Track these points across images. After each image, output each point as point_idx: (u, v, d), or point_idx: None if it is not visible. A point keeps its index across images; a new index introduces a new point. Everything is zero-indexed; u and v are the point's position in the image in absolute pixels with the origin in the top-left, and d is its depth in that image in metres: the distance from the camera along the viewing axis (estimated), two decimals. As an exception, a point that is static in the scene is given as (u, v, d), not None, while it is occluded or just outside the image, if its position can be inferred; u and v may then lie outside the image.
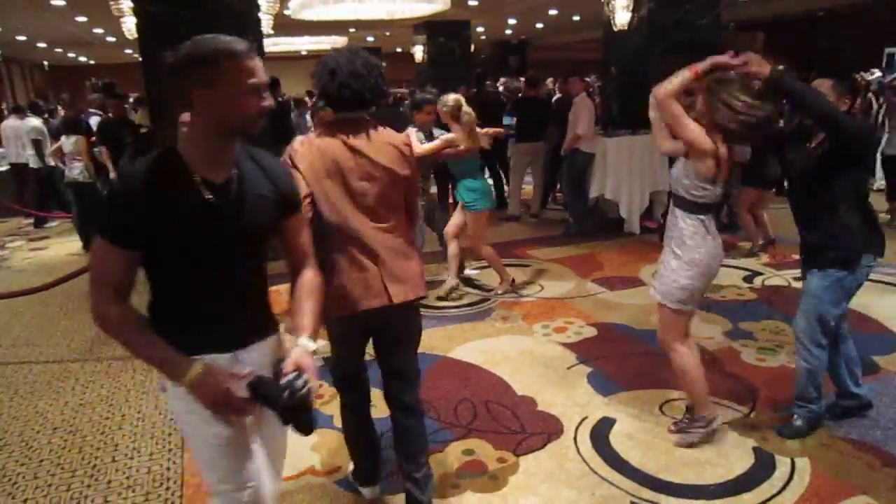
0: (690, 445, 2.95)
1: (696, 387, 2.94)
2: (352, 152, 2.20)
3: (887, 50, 10.55)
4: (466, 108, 4.70)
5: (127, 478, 2.93)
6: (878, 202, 6.89)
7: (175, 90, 1.51)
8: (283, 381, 1.56)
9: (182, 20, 5.71)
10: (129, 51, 17.35)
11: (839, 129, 2.62)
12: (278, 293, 1.99)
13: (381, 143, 2.26)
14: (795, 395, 3.08)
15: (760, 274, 5.46)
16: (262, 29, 6.19)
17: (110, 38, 15.50)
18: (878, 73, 6.90)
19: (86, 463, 3.06)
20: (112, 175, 6.64)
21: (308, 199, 2.13)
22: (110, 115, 7.19)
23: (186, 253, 1.58)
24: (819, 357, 2.94)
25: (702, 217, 2.76)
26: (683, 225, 2.77)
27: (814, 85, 2.75)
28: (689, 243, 2.76)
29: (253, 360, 1.68)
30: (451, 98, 4.76)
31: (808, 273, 2.92)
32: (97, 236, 1.58)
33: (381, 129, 2.30)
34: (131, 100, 8.97)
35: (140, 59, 6.25)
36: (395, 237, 2.30)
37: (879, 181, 7.64)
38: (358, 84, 2.17)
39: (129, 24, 7.06)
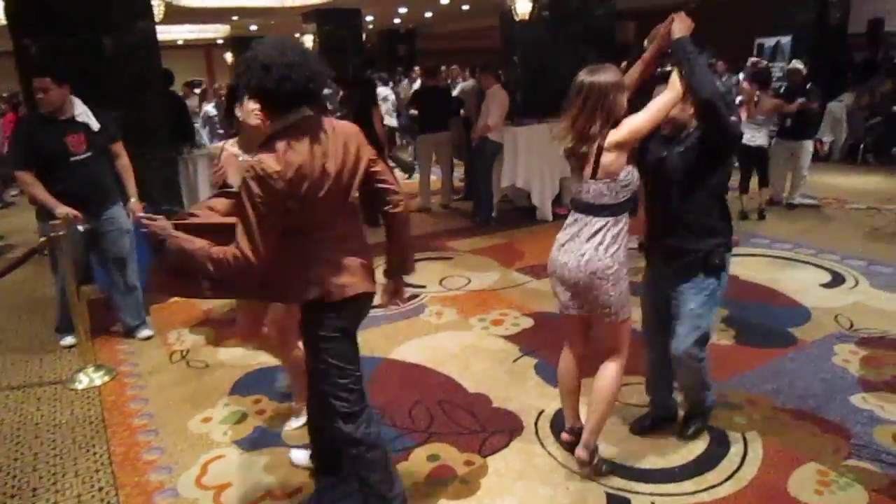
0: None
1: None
2: None
3: (757, 40, 11.40)
4: None
5: (54, 526, 2.59)
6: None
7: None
8: None
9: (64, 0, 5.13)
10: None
11: (718, 120, 2.41)
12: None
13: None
14: (697, 413, 2.93)
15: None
16: (154, 14, 5.66)
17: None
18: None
19: (0, 513, 2.68)
20: None
21: None
22: None
23: None
24: (706, 362, 2.75)
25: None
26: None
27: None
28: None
29: None
30: None
31: (681, 285, 2.65)
32: None
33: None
34: None
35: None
36: None
37: None
38: (297, 74, 1.98)
39: (-4, 7, 6.23)
